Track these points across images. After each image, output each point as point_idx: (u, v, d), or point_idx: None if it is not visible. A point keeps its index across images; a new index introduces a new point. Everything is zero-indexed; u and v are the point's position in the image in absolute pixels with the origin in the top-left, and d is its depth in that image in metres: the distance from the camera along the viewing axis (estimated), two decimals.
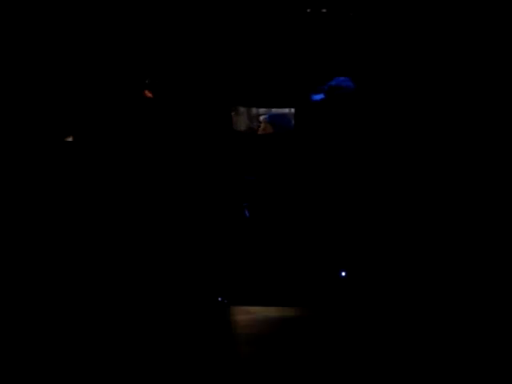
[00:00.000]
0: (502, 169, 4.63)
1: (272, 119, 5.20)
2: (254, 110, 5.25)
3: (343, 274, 4.70)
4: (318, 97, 4.87)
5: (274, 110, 5.20)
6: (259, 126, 5.23)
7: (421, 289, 4.50)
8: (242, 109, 5.20)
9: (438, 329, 4.10)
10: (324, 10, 4.92)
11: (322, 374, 3.77)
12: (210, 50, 4.99)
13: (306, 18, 4.96)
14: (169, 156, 4.93)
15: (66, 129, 4.85)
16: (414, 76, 4.84)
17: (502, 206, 4.59)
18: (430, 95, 4.81)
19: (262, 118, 5.25)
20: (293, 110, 5.12)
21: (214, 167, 4.98)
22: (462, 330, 4.08)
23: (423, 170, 4.77)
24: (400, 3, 4.82)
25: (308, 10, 4.94)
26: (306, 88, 5.02)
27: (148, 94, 4.96)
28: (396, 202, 4.79)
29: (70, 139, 4.85)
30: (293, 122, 5.11)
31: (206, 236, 4.83)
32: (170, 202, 4.87)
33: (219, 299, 4.64)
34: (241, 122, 5.26)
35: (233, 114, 5.17)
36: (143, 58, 4.94)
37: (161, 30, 4.93)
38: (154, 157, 4.91)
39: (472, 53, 4.72)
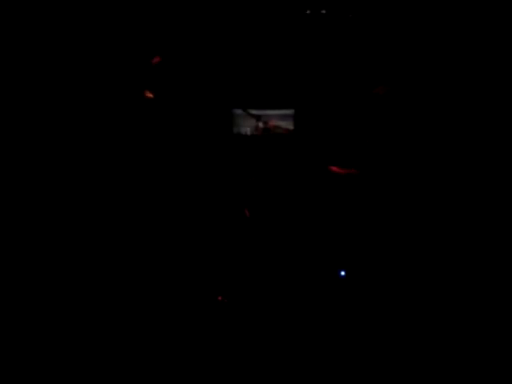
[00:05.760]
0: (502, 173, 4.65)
1: (272, 120, 5.21)
2: (252, 111, 5.25)
3: (342, 273, 4.72)
4: None
5: (271, 111, 5.20)
6: (259, 127, 5.23)
7: (420, 289, 4.52)
8: (239, 110, 5.20)
9: (438, 328, 4.13)
10: (323, 12, 4.93)
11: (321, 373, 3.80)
12: (210, 51, 5.01)
13: (306, 20, 4.98)
14: (169, 156, 4.95)
15: (67, 129, 4.86)
16: (413, 77, 4.87)
17: (501, 208, 4.61)
18: (427, 97, 4.85)
19: (261, 118, 5.25)
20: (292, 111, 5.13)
21: (214, 168, 5.00)
22: (461, 329, 4.10)
23: (422, 170, 4.79)
24: (399, 5, 4.85)
25: (308, 12, 4.96)
26: (307, 90, 5.05)
27: (148, 94, 4.98)
28: (395, 203, 4.82)
29: (70, 139, 4.87)
30: (293, 122, 5.13)
31: (207, 236, 4.84)
32: (171, 203, 4.89)
33: (219, 298, 4.66)
34: (240, 123, 5.26)
35: (232, 115, 5.18)
36: (144, 59, 4.96)
37: (161, 31, 4.94)
38: (155, 157, 4.93)
39: (472, 56, 4.75)
